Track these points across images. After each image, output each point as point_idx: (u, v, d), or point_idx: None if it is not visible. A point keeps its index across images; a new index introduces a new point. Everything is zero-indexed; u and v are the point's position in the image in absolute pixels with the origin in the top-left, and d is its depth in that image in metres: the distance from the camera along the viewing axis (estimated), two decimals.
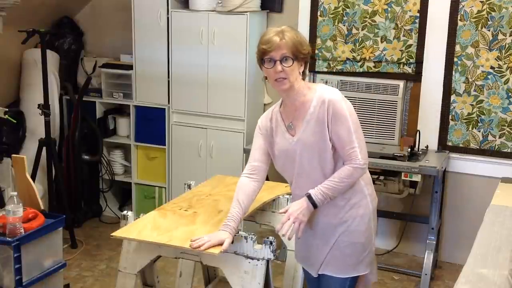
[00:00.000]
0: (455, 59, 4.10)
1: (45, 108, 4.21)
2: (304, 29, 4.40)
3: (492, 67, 4.02)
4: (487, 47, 4.01)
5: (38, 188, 3.71)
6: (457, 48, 4.09)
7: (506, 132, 4.06)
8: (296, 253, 2.71)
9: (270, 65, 2.31)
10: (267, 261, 2.42)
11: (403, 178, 3.91)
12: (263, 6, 4.53)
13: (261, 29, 4.43)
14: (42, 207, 3.09)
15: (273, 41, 2.29)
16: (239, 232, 2.43)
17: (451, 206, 4.28)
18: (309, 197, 2.36)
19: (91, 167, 4.97)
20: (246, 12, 4.32)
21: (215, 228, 2.48)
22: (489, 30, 3.98)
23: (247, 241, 2.41)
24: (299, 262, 2.73)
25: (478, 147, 4.15)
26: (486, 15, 3.97)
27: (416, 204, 4.20)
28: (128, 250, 2.64)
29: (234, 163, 4.50)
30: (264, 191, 2.82)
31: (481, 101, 4.09)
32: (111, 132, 5.08)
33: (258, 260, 2.41)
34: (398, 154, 3.94)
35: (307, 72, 2.46)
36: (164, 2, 4.55)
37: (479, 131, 4.13)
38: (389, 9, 4.21)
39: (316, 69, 4.48)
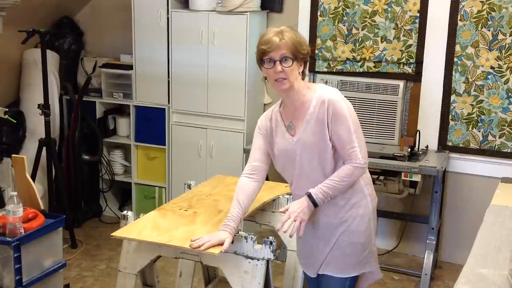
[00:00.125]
0: (455, 59, 4.10)
1: (45, 108, 4.21)
2: (304, 29, 4.40)
3: (492, 67, 4.02)
4: (487, 47, 4.01)
5: (38, 188, 3.71)
6: (457, 48, 4.09)
7: (506, 132, 4.06)
8: (298, 253, 2.71)
9: (270, 65, 2.31)
10: (267, 261, 2.42)
11: (403, 178, 3.91)
12: (263, 6, 4.53)
13: (261, 29, 4.43)
14: (42, 207, 3.09)
15: (273, 41, 2.29)
16: (239, 232, 2.43)
17: (451, 206, 4.28)
18: (310, 196, 2.36)
19: (91, 167, 4.97)
20: (246, 12, 4.32)
21: (215, 228, 2.48)
22: (489, 30, 3.98)
23: (247, 241, 2.41)
24: (300, 263, 2.73)
25: (478, 147, 4.15)
26: (486, 15, 3.97)
27: (416, 204, 4.20)
28: (128, 250, 2.64)
29: (234, 163, 4.50)
30: (264, 191, 2.82)
31: (481, 101, 4.09)
32: (111, 132, 5.08)
33: (258, 260, 2.41)
34: (398, 154, 3.94)
35: (306, 72, 2.46)
36: (164, 2, 4.55)
37: (479, 131, 4.13)
38: (389, 9, 4.21)
39: (316, 69, 4.48)
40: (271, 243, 2.39)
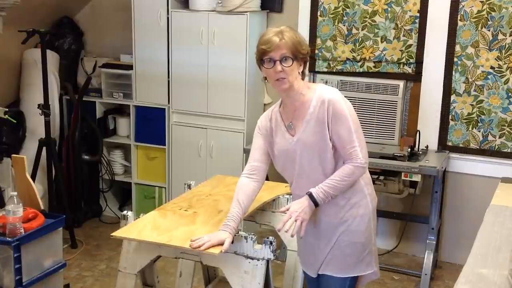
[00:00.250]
0: (455, 59, 4.10)
1: (45, 108, 4.21)
2: (304, 29, 4.40)
3: (492, 67, 4.02)
4: (487, 47, 4.01)
5: (38, 188, 3.71)
6: (457, 48, 4.09)
7: (506, 132, 4.06)
8: (299, 253, 2.71)
9: (270, 65, 2.31)
10: (267, 261, 2.42)
11: (403, 178, 3.91)
12: (263, 6, 4.53)
13: (261, 29, 4.43)
14: (42, 207, 3.09)
15: (273, 41, 2.29)
16: (239, 232, 2.43)
17: (451, 206, 4.28)
18: (311, 195, 2.36)
19: (91, 167, 4.97)
20: (246, 12, 4.32)
21: (215, 228, 2.48)
22: (489, 30, 3.98)
23: (247, 241, 2.41)
24: (301, 263, 2.73)
25: (478, 147, 4.15)
26: (486, 15, 3.97)
27: (416, 204, 4.20)
28: (128, 250, 2.64)
29: (234, 163, 4.50)
30: (264, 191, 2.82)
31: (481, 101, 4.09)
32: (111, 132, 5.08)
33: (258, 260, 2.41)
34: (398, 154, 3.94)
35: (306, 72, 2.46)
36: (164, 2, 4.55)
37: (479, 131, 4.13)
38: (389, 9, 4.21)
39: (316, 69, 4.48)
40: (271, 243, 2.39)
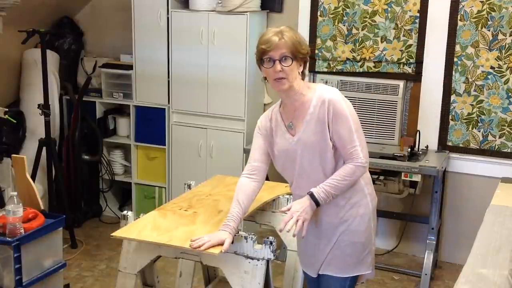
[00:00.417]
0: (455, 59, 4.10)
1: (45, 108, 4.21)
2: (304, 29, 4.40)
3: (492, 67, 4.02)
4: (487, 47, 4.01)
5: (38, 188, 3.71)
6: (457, 48, 4.09)
7: (506, 132, 4.06)
8: (299, 253, 2.71)
9: (269, 65, 2.31)
10: (267, 261, 2.42)
11: (403, 178, 3.91)
12: (263, 6, 4.53)
13: (261, 29, 4.43)
14: (42, 207, 3.09)
15: (272, 41, 2.29)
16: (239, 232, 2.43)
17: (451, 206, 4.28)
18: (312, 195, 2.36)
19: (91, 167, 4.97)
20: (246, 12, 4.32)
21: (215, 228, 2.48)
22: (489, 30, 3.98)
23: (247, 241, 2.41)
24: (301, 263, 2.73)
25: (478, 147, 4.15)
26: (486, 15, 3.97)
27: (416, 204, 4.20)
28: (128, 250, 2.64)
29: (234, 163, 4.50)
30: (264, 191, 2.82)
31: (481, 101, 4.09)
32: (111, 132, 5.08)
33: (258, 260, 2.41)
34: (398, 154, 3.94)
35: (306, 72, 2.46)
36: (164, 2, 4.55)
37: (479, 131, 4.13)
38: (389, 9, 4.21)
39: (316, 69, 4.48)
40: (271, 243, 2.39)
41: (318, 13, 4.40)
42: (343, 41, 4.37)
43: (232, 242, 2.38)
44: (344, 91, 4.23)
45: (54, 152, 4.35)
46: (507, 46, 3.96)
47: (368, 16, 4.26)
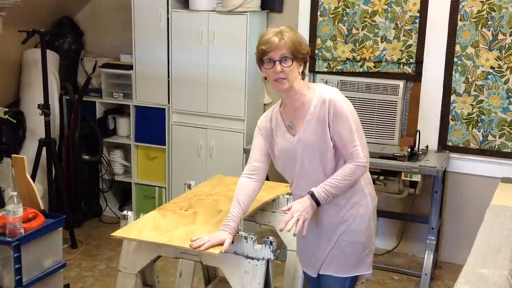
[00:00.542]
0: (455, 59, 4.10)
1: (45, 108, 4.21)
2: (304, 29, 4.40)
3: (492, 67, 4.02)
4: (487, 47, 4.01)
5: (38, 188, 3.71)
6: (457, 48, 4.09)
7: (506, 132, 4.06)
8: (297, 253, 2.71)
9: (270, 65, 2.31)
10: (267, 261, 2.42)
11: (403, 178, 3.91)
12: (263, 6, 4.53)
13: (261, 29, 4.43)
14: (42, 207, 3.09)
15: (272, 41, 2.29)
16: (239, 232, 2.43)
17: (451, 206, 4.28)
18: (312, 195, 2.36)
19: (91, 167, 4.97)
20: (246, 12, 4.32)
21: (215, 228, 2.48)
22: (489, 30, 3.98)
23: (247, 241, 2.41)
24: (301, 262, 2.73)
25: (478, 147, 4.15)
26: (486, 15, 3.97)
27: (416, 204, 4.20)
28: (128, 250, 2.64)
29: (234, 163, 4.50)
30: (264, 191, 2.82)
31: (481, 101, 4.09)
32: (111, 132, 5.08)
33: (258, 260, 2.41)
34: (398, 154, 3.94)
35: (306, 72, 2.46)
36: (164, 2, 4.55)
37: (479, 131, 4.13)
38: (389, 9, 4.21)
39: (316, 69, 4.48)
40: (271, 243, 2.39)
41: (318, 13, 4.41)
42: (343, 41, 4.37)
43: (232, 242, 2.38)
44: (344, 91, 4.23)
45: (54, 152, 4.35)
46: (507, 46, 3.96)
47: (368, 16, 4.26)
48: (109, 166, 5.04)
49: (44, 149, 4.31)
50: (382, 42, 4.26)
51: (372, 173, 2.63)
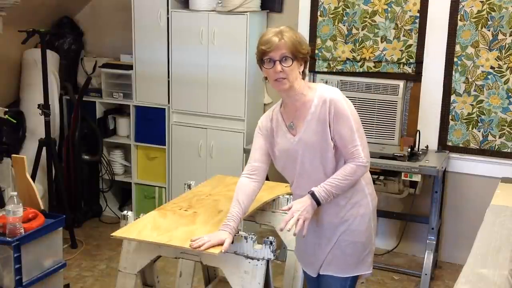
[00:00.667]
0: (455, 59, 4.10)
1: (45, 108, 4.21)
2: (304, 29, 4.40)
3: (492, 67, 4.02)
4: (487, 47, 4.01)
5: (38, 188, 3.71)
6: (457, 48, 4.09)
7: (506, 132, 4.06)
8: (296, 252, 2.71)
9: (270, 65, 2.32)
10: (267, 261, 2.42)
11: (403, 178, 3.91)
12: (263, 6, 4.53)
13: (261, 29, 4.43)
14: (42, 207, 3.09)
15: (272, 41, 2.29)
16: (239, 232, 2.43)
17: (451, 206, 4.28)
18: (313, 194, 2.36)
19: (91, 167, 4.97)
20: (246, 12, 4.32)
21: (215, 228, 2.48)
22: (489, 30, 3.98)
23: (247, 241, 2.41)
24: (299, 262, 2.73)
25: (478, 147, 4.15)
26: (486, 15, 3.97)
27: (416, 204, 4.20)
28: (128, 250, 2.64)
29: (234, 163, 4.50)
30: (264, 191, 2.82)
31: (481, 101, 4.09)
32: (111, 132, 5.08)
33: (258, 260, 2.41)
34: (398, 154, 3.94)
35: (306, 72, 2.46)
36: (164, 2, 4.55)
37: (479, 131, 4.13)
38: (389, 9, 4.21)
39: (316, 69, 4.48)
40: (271, 243, 2.39)
41: (318, 13, 4.41)
42: (343, 41, 4.37)
43: (232, 242, 2.38)
44: (344, 91, 4.23)
45: (54, 152, 4.35)
46: (507, 46, 3.96)
47: (368, 16, 4.26)
48: (109, 166, 5.04)
49: (44, 149, 4.31)
50: (382, 42, 4.26)
51: (372, 173, 2.63)
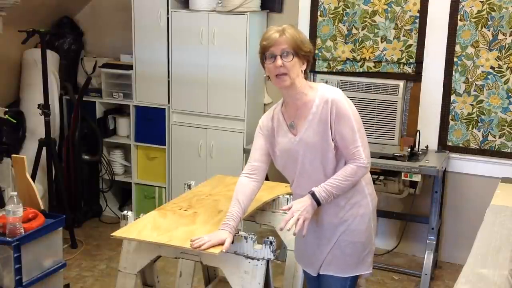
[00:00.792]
0: (455, 59, 4.10)
1: (45, 108, 4.21)
2: (304, 29, 4.40)
3: (492, 67, 4.02)
4: (487, 47, 4.01)
5: (38, 188, 3.71)
6: (457, 48, 4.09)
7: (506, 132, 4.06)
8: (296, 252, 2.71)
9: (271, 60, 2.32)
10: (267, 261, 2.42)
11: (403, 178, 3.91)
12: (263, 6, 4.53)
13: (261, 29, 4.43)
14: (42, 207, 3.09)
15: (273, 37, 2.31)
16: (239, 232, 2.43)
17: (451, 206, 4.28)
18: (313, 194, 2.36)
19: (91, 167, 4.97)
20: (246, 12, 4.32)
21: (215, 228, 2.48)
22: (489, 30, 3.98)
23: (247, 241, 2.41)
24: (298, 262, 2.73)
25: (478, 147, 4.15)
26: (486, 15, 3.97)
27: (416, 204, 4.20)
28: (128, 250, 2.64)
29: (234, 163, 4.50)
30: (264, 191, 2.82)
31: (481, 101, 4.09)
32: (111, 132, 5.08)
33: (258, 260, 2.41)
34: (398, 154, 3.94)
35: (308, 71, 2.46)
36: (164, 2, 4.55)
37: (479, 131, 4.13)
38: (389, 9, 4.21)
39: (316, 69, 4.48)
40: (271, 243, 2.39)
41: (318, 13, 4.41)
42: (343, 41, 4.37)
43: (232, 242, 2.38)
44: (344, 91, 4.14)
45: (54, 152, 4.35)
46: (507, 46, 3.96)
47: (368, 16, 4.26)
48: (109, 166, 5.04)
49: (44, 149, 4.31)
50: (382, 42, 4.26)
51: (372, 173, 2.63)
